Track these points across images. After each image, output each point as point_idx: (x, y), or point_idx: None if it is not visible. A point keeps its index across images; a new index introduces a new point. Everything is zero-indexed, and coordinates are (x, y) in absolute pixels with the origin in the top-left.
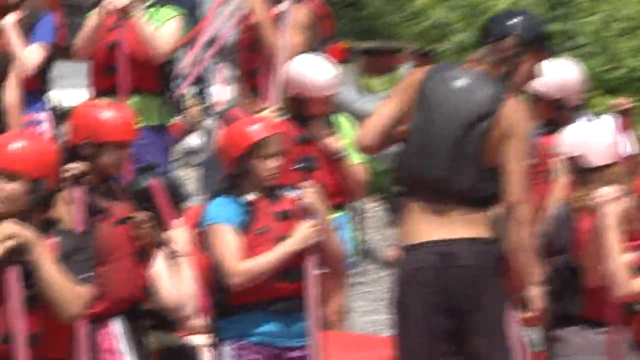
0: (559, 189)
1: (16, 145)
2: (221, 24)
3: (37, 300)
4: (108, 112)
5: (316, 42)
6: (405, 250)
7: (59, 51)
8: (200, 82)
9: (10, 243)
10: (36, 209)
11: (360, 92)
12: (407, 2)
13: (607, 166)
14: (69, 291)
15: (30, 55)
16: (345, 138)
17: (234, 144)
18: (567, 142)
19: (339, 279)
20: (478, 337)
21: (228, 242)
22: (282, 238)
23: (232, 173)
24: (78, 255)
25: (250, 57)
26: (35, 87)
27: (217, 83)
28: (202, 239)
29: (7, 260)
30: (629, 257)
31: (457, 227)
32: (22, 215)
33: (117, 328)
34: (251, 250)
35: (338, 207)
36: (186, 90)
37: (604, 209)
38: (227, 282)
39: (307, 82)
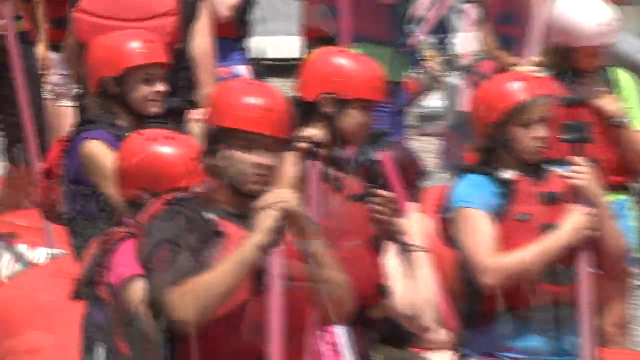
0: None
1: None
2: None
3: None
4: (357, 64)
5: None
6: None
7: None
8: (442, 28)
9: (286, 205)
10: None
11: None
12: None
13: None
14: (342, 277)
15: None
16: (627, 99)
17: (489, 107)
18: None
19: (620, 282)
20: None
21: (482, 231)
22: (548, 227)
23: (486, 144)
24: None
25: None
26: (232, 34)
27: (463, 29)
28: (447, 229)
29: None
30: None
31: None
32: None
33: (339, 336)
34: (509, 241)
35: (618, 188)
36: (424, 38)
37: None
38: (478, 283)
39: (574, 28)
